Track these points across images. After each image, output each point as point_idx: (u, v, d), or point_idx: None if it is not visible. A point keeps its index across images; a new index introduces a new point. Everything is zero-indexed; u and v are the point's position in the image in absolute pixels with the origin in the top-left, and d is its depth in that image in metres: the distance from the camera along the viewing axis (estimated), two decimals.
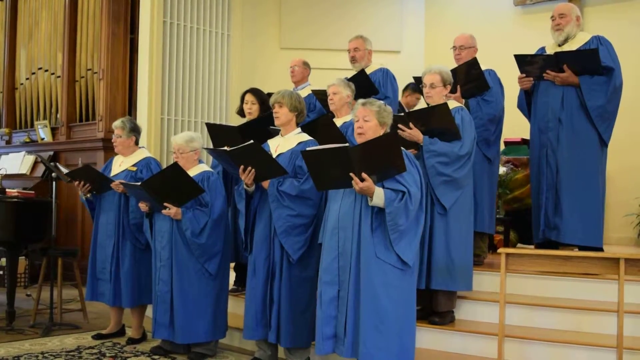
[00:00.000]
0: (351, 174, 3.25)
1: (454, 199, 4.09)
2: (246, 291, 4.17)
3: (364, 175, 3.24)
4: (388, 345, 3.27)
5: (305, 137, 4.14)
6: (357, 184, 3.25)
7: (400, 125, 4.04)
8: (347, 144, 3.39)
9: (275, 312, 3.99)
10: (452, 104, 4.21)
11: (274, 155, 4.07)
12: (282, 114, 4.11)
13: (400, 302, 3.33)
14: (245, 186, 4.03)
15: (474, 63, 4.64)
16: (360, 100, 3.54)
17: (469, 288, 4.23)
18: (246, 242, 4.16)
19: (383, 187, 3.32)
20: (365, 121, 3.46)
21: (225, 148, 4.04)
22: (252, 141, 3.87)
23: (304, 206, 3.96)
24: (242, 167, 3.94)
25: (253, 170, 3.93)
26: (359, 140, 3.44)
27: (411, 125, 4.05)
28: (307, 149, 3.45)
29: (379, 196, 3.27)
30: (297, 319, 3.99)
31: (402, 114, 4.29)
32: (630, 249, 5.81)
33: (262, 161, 3.90)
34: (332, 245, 3.44)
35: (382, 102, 3.55)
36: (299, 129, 4.20)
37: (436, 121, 4.06)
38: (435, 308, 4.24)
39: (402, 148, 3.41)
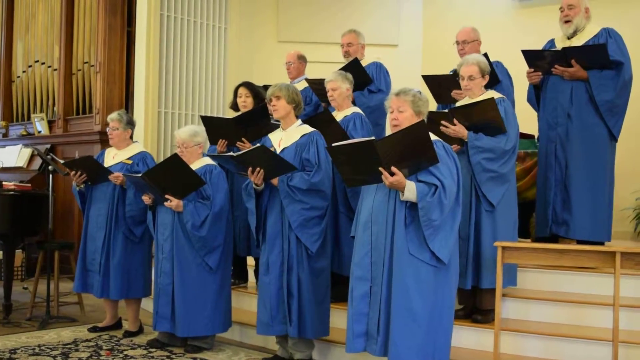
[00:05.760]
0: (380, 169, 3.11)
1: (501, 195, 3.98)
2: (259, 287, 4.14)
3: (393, 169, 3.10)
4: (419, 345, 3.13)
5: (308, 128, 4.10)
6: (386, 178, 3.11)
7: (443, 122, 3.94)
8: (372, 137, 3.22)
9: (296, 306, 3.94)
10: (494, 95, 4.08)
11: (278, 150, 4.05)
12: (280, 107, 4.07)
13: (434, 301, 3.17)
14: (254, 185, 3.99)
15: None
16: (394, 91, 3.37)
17: (514, 284, 4.18)
18: (258, 239, 4.13)
19: (417, 180, 3.18)
20: (400, 112, 3.30)
21: (231, 154, 4.05)
22: (258, 144, 3.88)
23: (316, 198, 3.94)
24: (250, 169, 3.91)
25: (262, 170, 3.90)
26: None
27: (455, 121, 3.94)
28: (333, 144, 3.28)
29: (410, 190, 3.12)
30: (318, 310, 4.00)
31: (447, 110, 4.15)
32: (627, 243, 5.82)
33: (270, 161, 3.88)
34: (365, 239, 3.30)
35: (416, 90, 3.38)
36: (300, 121, 4.16)
37: (480, 115, 3.93)
38: (479, 306, 4.14)
39: (438, 138, 3.29)
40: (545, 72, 4.62)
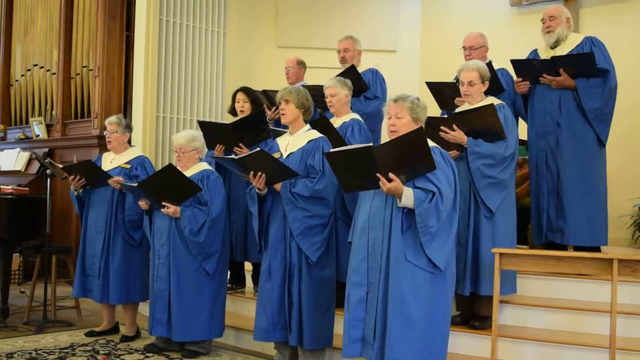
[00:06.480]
0: (378, 175, 3.11)
1: (500, 201, 3.98)
2: (259, 293, 4.08)
3: (391, 175, 3.10)
4: (415, 351, 3.12)
5: (316, 134, 4.05)
6: (384, 184, 3.11)
7: (443, 128, 3.94)
8: (370, 144, 3.22)
9: (296, 315, 3.90)
10: (493, 101, 4.08)
11: (284, 155, 4.01)
12: (288, 111, 4.01)
13: (430, 307, 3.17)
14: (257, 190, 3.96)
15: (487, 66, 4.58)
16: (392, 96, 3.37)
17: (513, 291, 4.17)
18: (260, 244, 4.09)
19: (414, 186, 3.17)
20: (397, 118, 3.30)
21: (233, 157, 4.02)
22: (259, 149, 3.85)
23: (319, 206, 3.89)
24: (252, 173, 3.88)
25: (264, 175, 3.85)
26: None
27: (454, 127, 3.95)
28: (330, 150, 3.27)
29: (407, 197, 3.12)
30: (319, 320, 3.92)
31: (446, 115, 4.14)
32: (624, 250, 5.82)
33: (270, 166, 3.84)
34: (362, 245, 3.31)
35: (415, 96, 3.38)
36: (308, 126, 4.11)
37: (480, 121, 3.94)
38: (478, 312, 4.13)
39: (435, 145, 3.30)
40: (533, 82, 4.64)
